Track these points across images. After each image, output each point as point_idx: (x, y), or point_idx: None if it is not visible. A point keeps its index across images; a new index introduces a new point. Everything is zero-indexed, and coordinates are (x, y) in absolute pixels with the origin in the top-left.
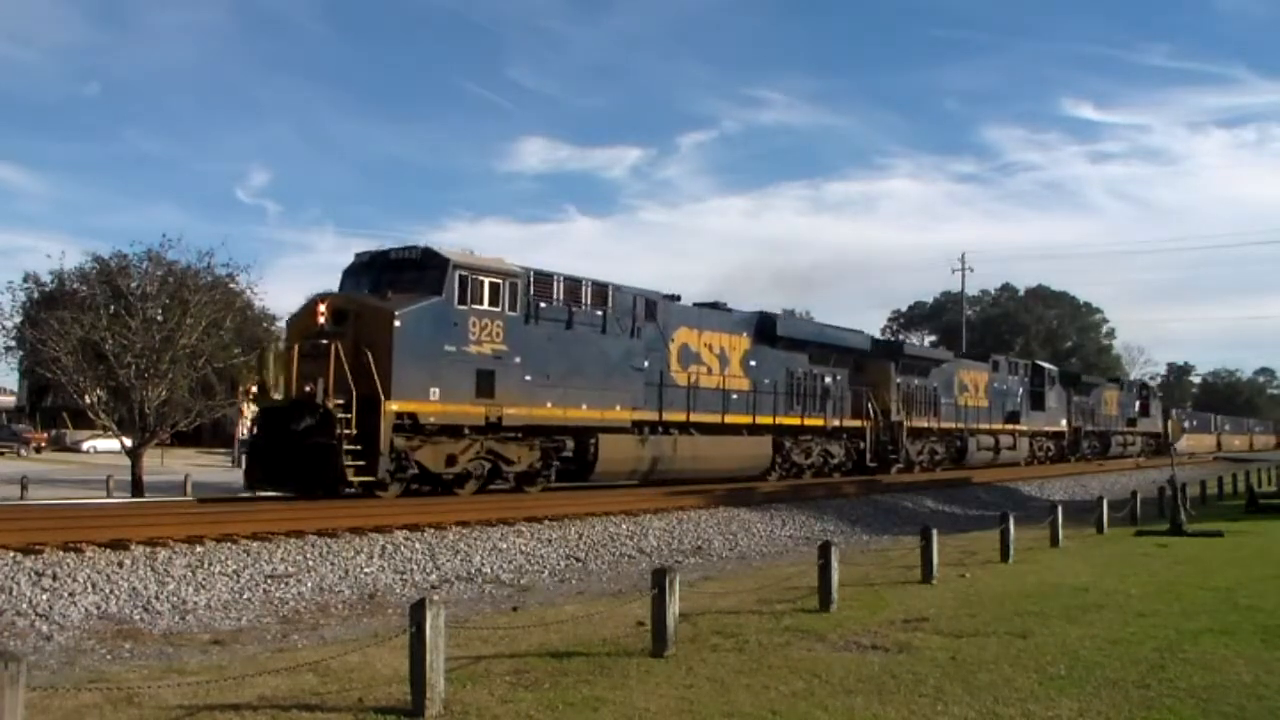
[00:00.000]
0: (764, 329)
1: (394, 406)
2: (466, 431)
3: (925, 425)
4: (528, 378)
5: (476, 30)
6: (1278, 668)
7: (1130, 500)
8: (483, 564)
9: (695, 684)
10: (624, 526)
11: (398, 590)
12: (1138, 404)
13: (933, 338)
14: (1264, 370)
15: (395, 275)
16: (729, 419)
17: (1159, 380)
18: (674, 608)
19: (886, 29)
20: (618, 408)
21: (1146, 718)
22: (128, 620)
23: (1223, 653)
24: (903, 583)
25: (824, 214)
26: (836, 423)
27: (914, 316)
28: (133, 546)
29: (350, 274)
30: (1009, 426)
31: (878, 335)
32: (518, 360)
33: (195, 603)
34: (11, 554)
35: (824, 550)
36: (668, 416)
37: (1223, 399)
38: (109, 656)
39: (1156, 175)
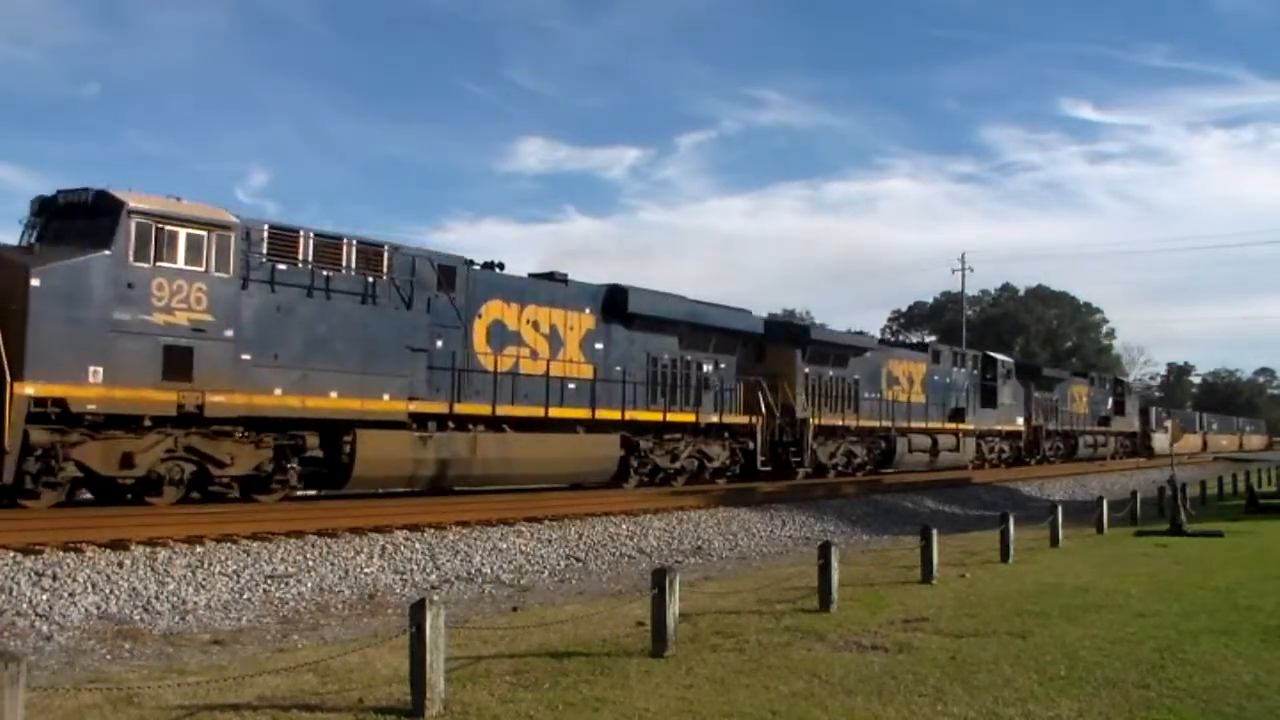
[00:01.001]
0: (614, 305)
1: (29, 390)
2: (148, 423)
3: (839, 423)
4: (245, 357)
5: (476, 30)
6: (1278, 668)
7: (1130, 500)
8: (483, 564)
9: (695, 684)
10: (624, 526)
11: (398, 590)
12: (1110, 401)
13: (933, 338)
14: (1264, 370)
15: (65, 224)
16: (559, 413)
17: (1159, 380)
18: (674, 608)
19: (885, 29)
20: (386, 397)
21: (1146, 718)
22: (128, 620)
23: (1223, 653)
24: (903, 583)
25: (824, 214)
26: (714, 418)
27: (914, 316)
28: (133, 546)
29: (26, 226)
30: (952, 425)
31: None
32: (229, 334)
33: (195, 603)
34: (11, 554)
35: (824, 550)
36: (465, 409)
37: (1223, 399)
38: (109, 657)
39: (1155, 175)
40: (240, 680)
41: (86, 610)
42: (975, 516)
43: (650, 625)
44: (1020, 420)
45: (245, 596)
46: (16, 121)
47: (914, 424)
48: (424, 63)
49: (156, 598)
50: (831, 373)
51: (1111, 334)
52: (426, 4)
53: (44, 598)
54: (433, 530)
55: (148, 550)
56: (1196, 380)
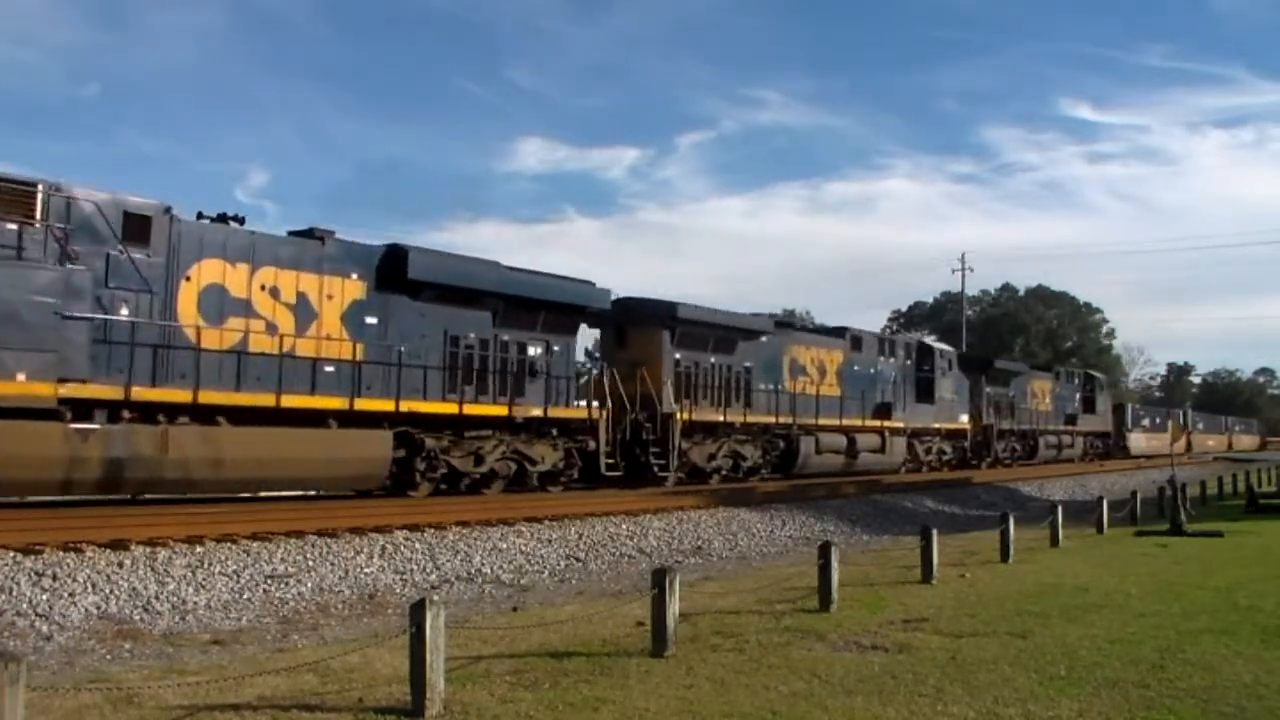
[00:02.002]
0: (393, 270)
1: None
2: None
3: (720, 419)
4: None
5: (475, 30)
6: (1278, 668)
7: (1130, 500)
8: (483, 564)
9: (695, 684)
10: (624, 526)
11: (398, 590)
12: (1078, 398)
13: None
14: (1264, 370)
15: None
16: (297, 401)
17: (1159, 380)
18: (674, 608)
19: (884, 29)
20: (21, 377)
21: (1146, 718)
22: (128, 620)
23: (1223, 653)
24: (903, 583)
25: (823, 214)
26: (536, 412)
27: (914, 316)
28: (133, 546)
29: None
30: (875, 422)
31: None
32: None
33: (195, 603)
34: (11, 554)
35: (824, 550)
36: (152, 395)
37: (1223, 399)
38: (109, 656)
39: (1155, 175)
40: (240, 680)
41: (86, 610)
42: (975, 516)
43: (650, 625)
44: (965, 417)
45: (245, 596)
46: (16, 122)
47: (824, 420)
48: (423, 63)
49: (156, 598)
50: (713, 360)
51: (1111, 334)
52: (426, 4)
53: (44, 598)
54: (433, 530)
55: (148, 550)
56: (1196, 380)
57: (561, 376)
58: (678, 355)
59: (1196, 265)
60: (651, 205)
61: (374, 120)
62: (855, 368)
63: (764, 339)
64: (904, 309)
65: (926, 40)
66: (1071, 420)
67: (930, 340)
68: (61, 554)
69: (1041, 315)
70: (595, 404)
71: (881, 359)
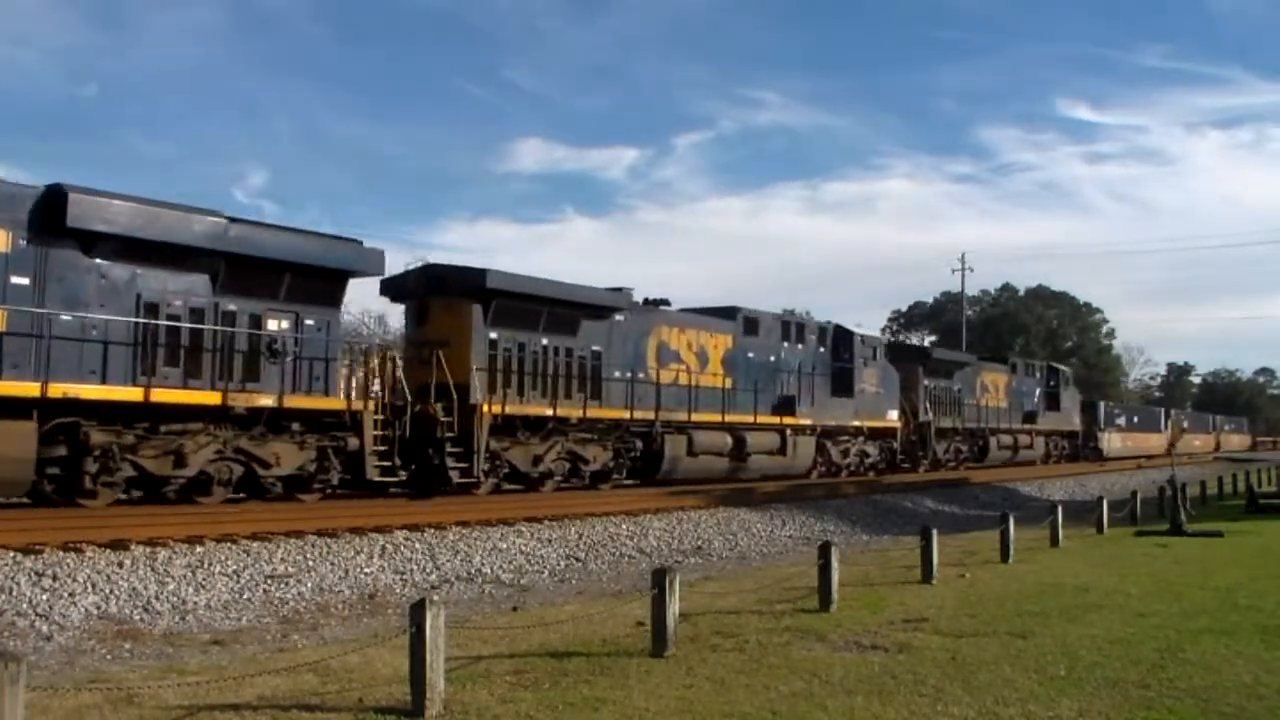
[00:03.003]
0: (53, 218)
1: None
2: None
3: (548, 413)
4: None
5: (474, 31)
6: (1278, 668)
7: (1130, 500)
8: (483, 564)
9: (695, 684)
10: (624, 526)
11: (398, 590)
12: (1039, 393)
13: (933, 338)
14: (1264, 370)
15: None
16: None
17: (1159, 380)
18: (674, 608)
19: (882, 30)
20: None
21: (1146, 718)
22: (128, 620)
23: (1223, 653)
24: (903, 583)
25: (822, 214)
26: (267, 401)
27: (914, 317)
28: (133, 546)
29: None
30: (775, 419)
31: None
32: None
33: (195, 603)
34: (11, 554)
35: (824, 550)
36: None
37: (1223, 399)
38: (109, 656)
39: (1153, 176)
40: (240, 680)
41: (86, 610)
42: (975, 516)
43: (650, 625)
44: (894, 414)
45: (245, 596)
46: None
47: (703, 416)
48: (422, 63)
49: (156, 598)
50: (546, 342)
51: (1111, 334)
52: (425, 4)
53: (44, 598)
54: (433, 530)
55: (148, 550)
56: (1196, 380)
57: (318, 359)
58: (493, 335)
59: (1196, 265)
60: (651, 205)
61: (372, 120)
62: (750, 354)
63: (619, 318)
64: (904, 309)
65: (925, 40)
66: (1031, 418)
67: (853, 327)
68: (61, 554)
69: (1041, 315)
70: (377, 392)
71: (786, 345)
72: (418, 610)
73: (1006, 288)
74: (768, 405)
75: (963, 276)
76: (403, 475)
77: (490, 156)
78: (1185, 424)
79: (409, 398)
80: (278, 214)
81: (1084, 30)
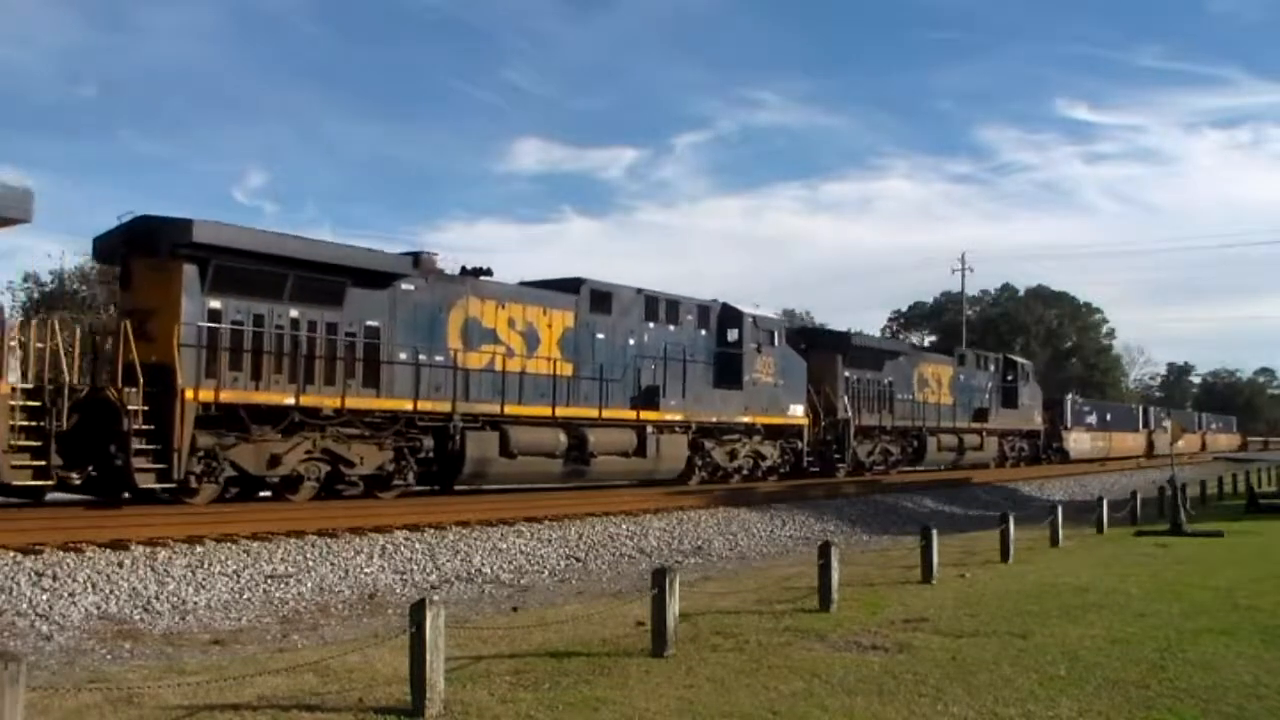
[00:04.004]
0: None
1: None
2: None
3: (283, 401)
4: None
5: (472, 31)
6: (1278, 668)
7: (1130, 500)
8: (483, 564)
9: (695, 684)
10: (624, 526)
11: (398, 590)
12: (992, 387)
13: (933, 338)
14: (1264, 370)
15: None
16: None
17: (1159, 380)
18: (674, 608)
19: (881, 30)
20: None
21: (1146, 718)
22: (128, 620)
23: (1223, 653)
24: (903, 583)
25: (821, 214)
26: None
27: (914, 317)
28: (133, 546)
29: None
30: (628, 413)
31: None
32: None
33: (195, 603)
34: (11, 554)
35: (824, 550)
36: None
37: (1223, 399)
38: (109, 656)
39: (1151, 176)
40: (240, 680)
41: (86, 610)
42: (975, 516)
43: (650, 625)
44: (799, 410)
45: (245, 596)
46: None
47: (527, 409)
48: (421, 64)
49: (156, 598)
50: (295, 314)
51: (1111, 334)
52: (424, 5)
53: (44, 598)
54: (433, 530)
55: (148, 550)
56: (1196, 380)
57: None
58: (214, 303)
59: (1196, 265)
60: (650, 205)
61: (371, 121)
62: (599, 335)
63: (407, 287)
64: (904, 309)
65: (923, 41)
66: (983, 416)
67: (745, 306)
68: (61, 554)
69: (1041, 315)
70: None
71: (652, 326)
72: (418, 610)
73: (1006, 288)
74: (623, 397)
75: (963, 276)
76: (75, 479)
77: (489, 156)
78: (1165, 424)
79: (69, 378)
80: (277, 214)
81: (1083, 30)
